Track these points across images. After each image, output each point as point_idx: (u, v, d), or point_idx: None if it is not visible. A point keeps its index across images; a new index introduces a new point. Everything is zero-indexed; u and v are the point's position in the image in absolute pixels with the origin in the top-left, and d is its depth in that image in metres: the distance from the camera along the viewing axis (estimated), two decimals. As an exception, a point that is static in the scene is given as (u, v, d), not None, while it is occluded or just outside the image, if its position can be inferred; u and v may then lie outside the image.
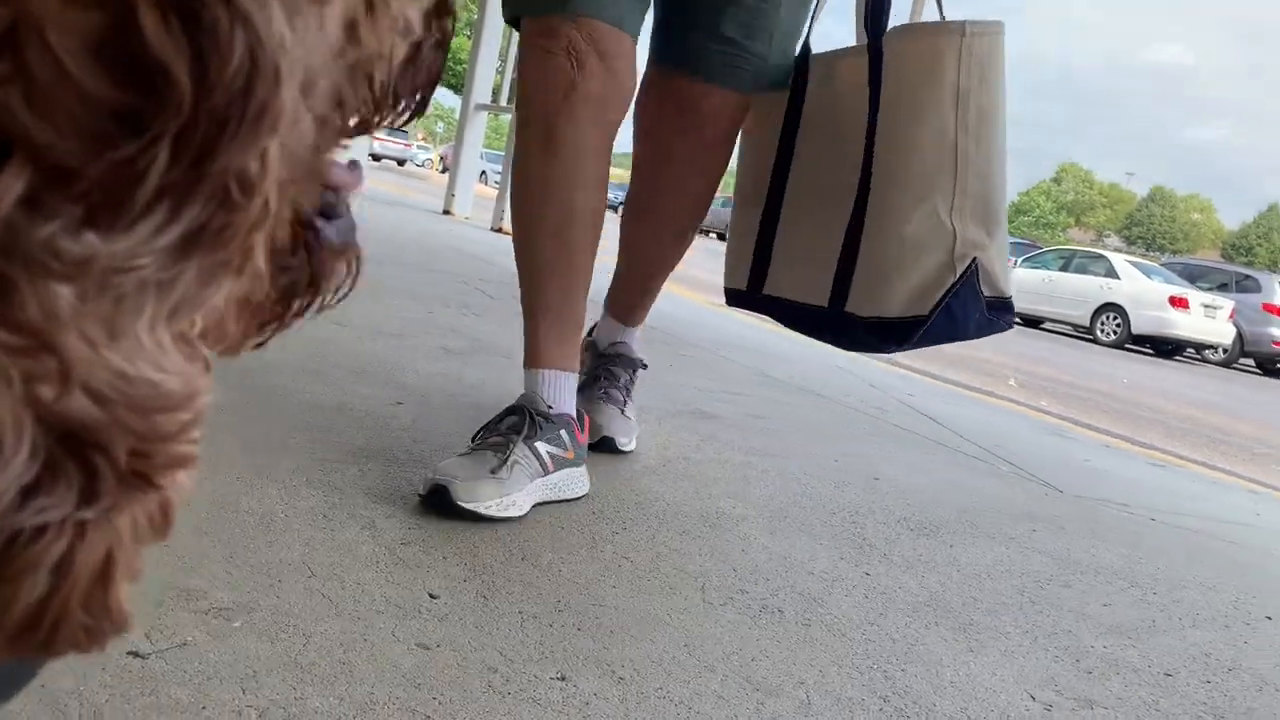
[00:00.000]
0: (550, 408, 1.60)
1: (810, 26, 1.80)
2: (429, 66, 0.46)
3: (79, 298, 0.30)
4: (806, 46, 1.80)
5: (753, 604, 1.33)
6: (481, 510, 1.40)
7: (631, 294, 2.03)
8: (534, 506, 1.49)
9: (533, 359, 1.66)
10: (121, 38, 0.28)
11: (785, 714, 1.05)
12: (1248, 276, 16.57)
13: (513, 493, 1.45)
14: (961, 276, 1.60)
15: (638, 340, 2.06)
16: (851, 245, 1.70)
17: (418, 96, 0.47)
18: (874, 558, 1.63)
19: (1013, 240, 22.29)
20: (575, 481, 1.61)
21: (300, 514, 1.29)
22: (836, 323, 1.74)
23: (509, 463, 1.47)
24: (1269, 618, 1.76)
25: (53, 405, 0.31)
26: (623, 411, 1.92)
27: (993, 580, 1.65)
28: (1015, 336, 11.61)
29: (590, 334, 2.04)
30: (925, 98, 1.61)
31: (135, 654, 0.88)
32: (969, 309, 1.62)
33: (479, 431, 1.58)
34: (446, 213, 8.74)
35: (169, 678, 0.86)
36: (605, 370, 1.97)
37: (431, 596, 1.14)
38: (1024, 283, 15.49)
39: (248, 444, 1.50)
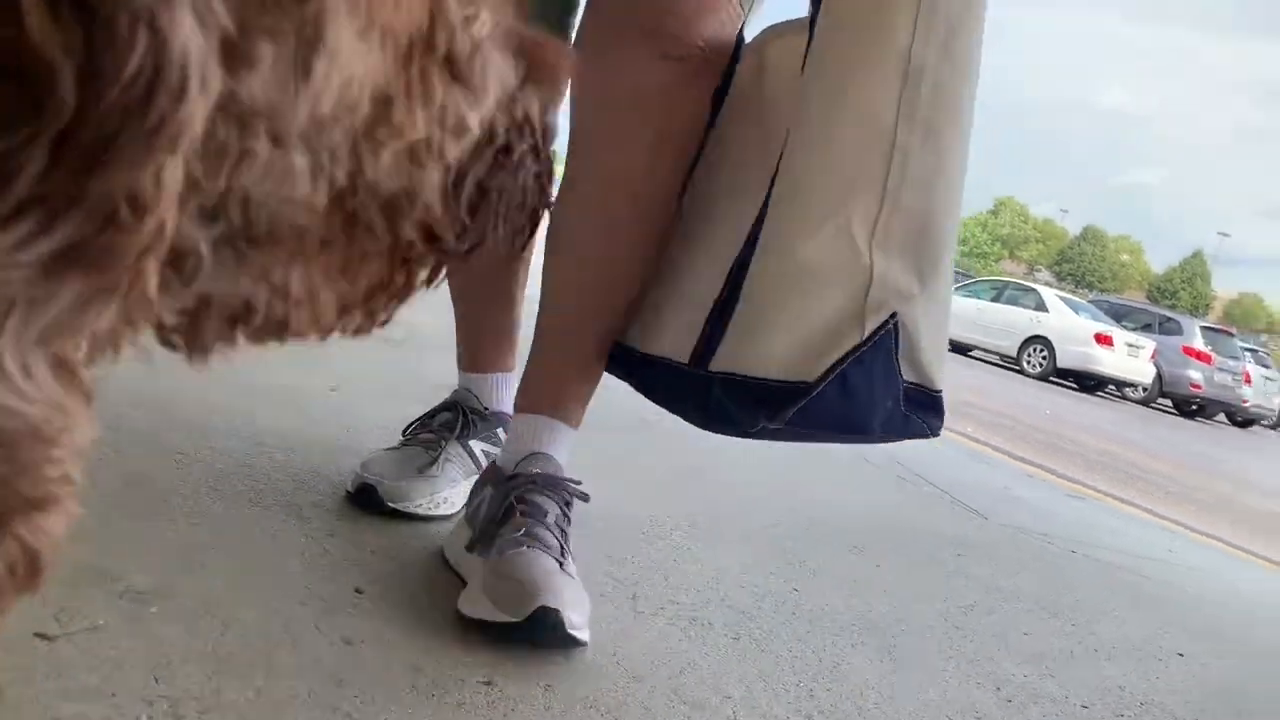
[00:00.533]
0: (486, 407, 1.52)
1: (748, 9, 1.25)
2: (520, 190, 0.42)
3: None
4: (740, 36, 1.24)
5: (682, 615, 1.32)
6: (411, 509, 1.35)
7: (564, 363, 1.31)
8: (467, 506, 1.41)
9: (469, 364, 1.56)
10: (3, 23, 0.25)
11: (711, 729, 1.04)
12: (1170, 319, 17.07)
13: (444, 490, 1.40)
14: (872, 336, 1.06)
15: (568, 449, 1.29)
16: (736, 277, 1.15)
17: (505, 225, 0.43)
18: (803, 575, 1.64)
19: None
20: None
21: (225, 497, 1.25)
22: (698, 387, 1.17)
23: (440, 460, 1.41)
24: (1180, 654, 1.80)
25: None
26: (562, 567, 1.14)
27: (918, 603, 1.66)
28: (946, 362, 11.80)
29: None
30: (857, 63, 1.08)
31: (43, 635, 0.84)
32: (876, 391, 1.08)
33: (410, 426, 1.52)
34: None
35: (77, 662, 0.83)
36: (520, 502, 1.20)
37: (358, 591, 1.11)
38: (957, 311, 15.69)
39: (172, 423, 1.45)
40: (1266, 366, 18.49)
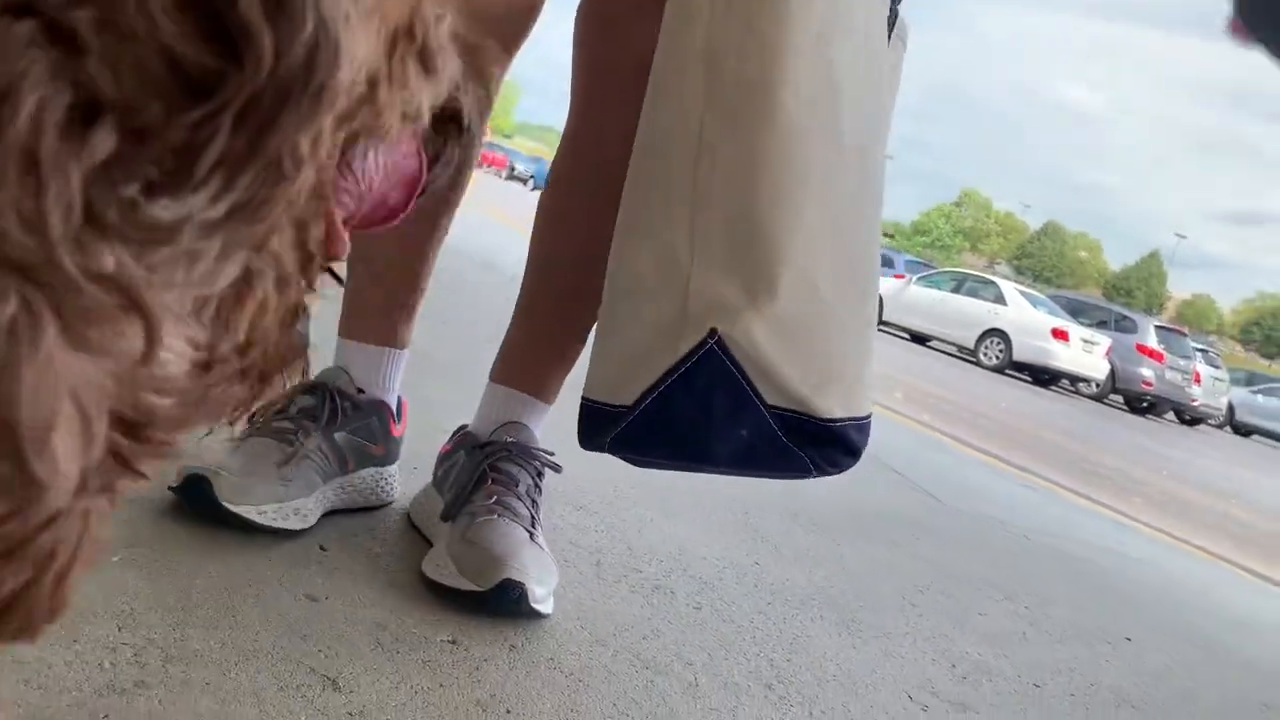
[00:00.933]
0: (360, 391, 1.27)
1: None
2: (445, 179, 0.46)
3: (140, 262, 0.29)
4: None
5: (645, 583, 1.33)
6: (254, 518, 1.07)
7: (548, 341, 1.28)
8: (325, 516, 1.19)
9: (356, 329, 1.29)
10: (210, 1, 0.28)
11: (673, 694, 1.05)
12: (1125, 317, 17.32)
13: (298, 498, 1.12)
14: (689, 357, 0.93)
15: (541, 421, 1.29)
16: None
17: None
18: (765, 549, 1.65)
19: (910, 259, 22.87)
20: (381, 485, 1.28)
21: (190, 450, 1.23)
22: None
23: (297, 457, 1.15)
24: (1128, 639, 1.84)
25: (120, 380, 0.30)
26: (532, 537, 1.13)
27: (877, 581, 1.68)
28: (902, 351, 11.97)
29: (460, 430, 1.33)
30: (666, 45, 0.96)
31: (4, 579, 0.83)
32: (714, 417, 0.94)
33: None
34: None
35: (40, 607, 0.81)
36: (493, 470, 1.20)
37: (322, 549, 1.11)
38: (917, 301, 15.90)
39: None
40: (1216, 367, 18.85)
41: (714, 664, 1.15)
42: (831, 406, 0.95)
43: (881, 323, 16.06)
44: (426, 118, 0.40)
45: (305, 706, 0.81)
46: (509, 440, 1.22)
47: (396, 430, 1.30)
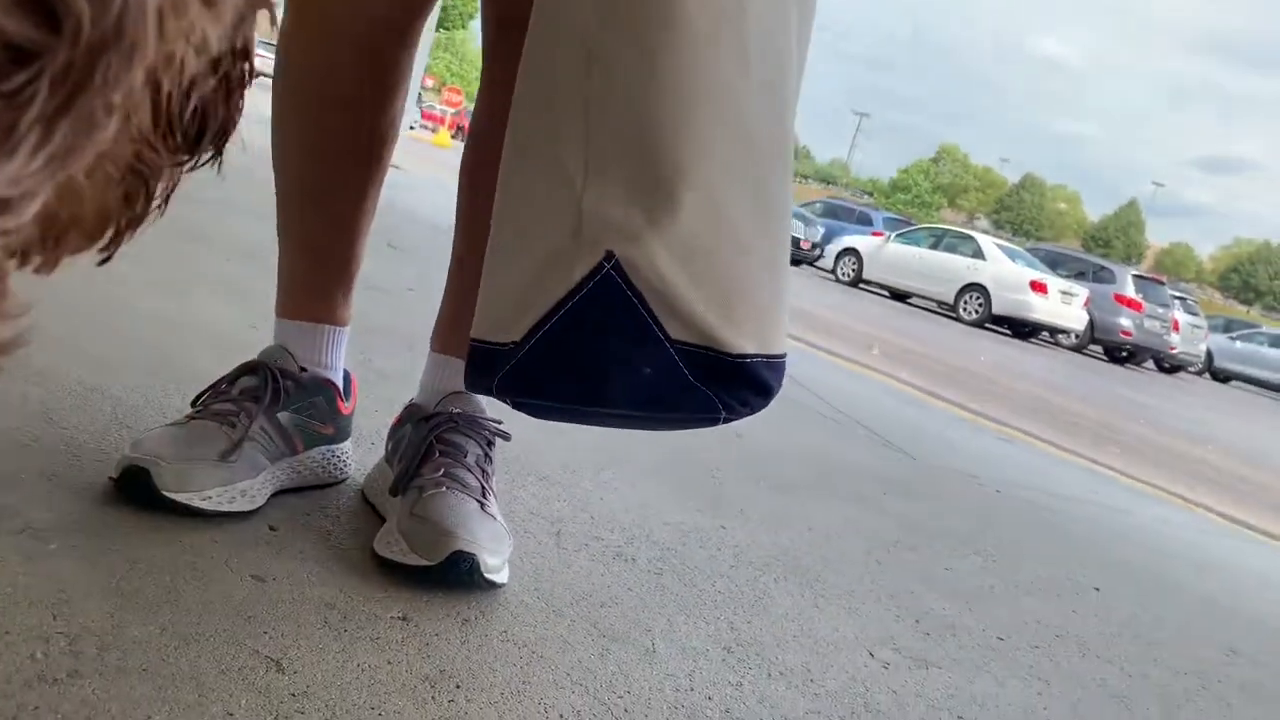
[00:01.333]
0: (304, 370, 1.24)
1: None
2: (217, 112, 0.44)
3: None
4: None
5: (606, 551, 1.32)
6: (198, 504, 1.05)
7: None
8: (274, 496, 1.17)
9: (292, 308, 1.26)
10: None
11: (630, 661, 1.04)
12: (1103, 268, 17.37)
13: (242, 480, 1.10)
14: (582, 285, 0.83)
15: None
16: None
17: (201, 146, 0.45)
18: (730, 513, 1.64)
19: (889, 216, 22.84)
20: (334, 463, 1.27)
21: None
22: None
23: (241, 441, 1.12)
24: (1097, 589, 1.85)
25: None
26: (483, 508, 1.12)
27: (843, 540, 1.68)
28: (881, 309, 11.98)
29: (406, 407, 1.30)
30: None
31: (-67, 572, 0.82)
32: (611, 352, 0.85)
33: (202, 394, 1.20)
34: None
35: (-30, 599, 0.80)
36: (439, 442, 1.17)
37: (271, 529, 1.09)
38: (896, 258, 15.90)
39: (81, 356, 1.40)
40: (1194, 314, 18.96)
41: (673, 629, 1.15)
42: (742, 341, 0.85)
43: (860, 280, 16.07)
44: (213, 51, 0.41)
45: (246, 689, 0.80)
46: (455, 411, 1.20)
47: (345, 408, 1.28)
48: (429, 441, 1.18)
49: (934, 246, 16.13)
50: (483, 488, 1.15)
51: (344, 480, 1.29)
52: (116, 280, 1.80)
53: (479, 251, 1.04)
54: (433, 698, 0.87)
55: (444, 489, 1.12)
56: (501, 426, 1.23)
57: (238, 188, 3.70)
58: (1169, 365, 18.06)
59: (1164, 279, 19.36)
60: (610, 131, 0.83)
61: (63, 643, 0.79)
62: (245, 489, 1.10)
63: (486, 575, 1.06)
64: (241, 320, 1.88)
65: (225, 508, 1.08)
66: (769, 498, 1.80)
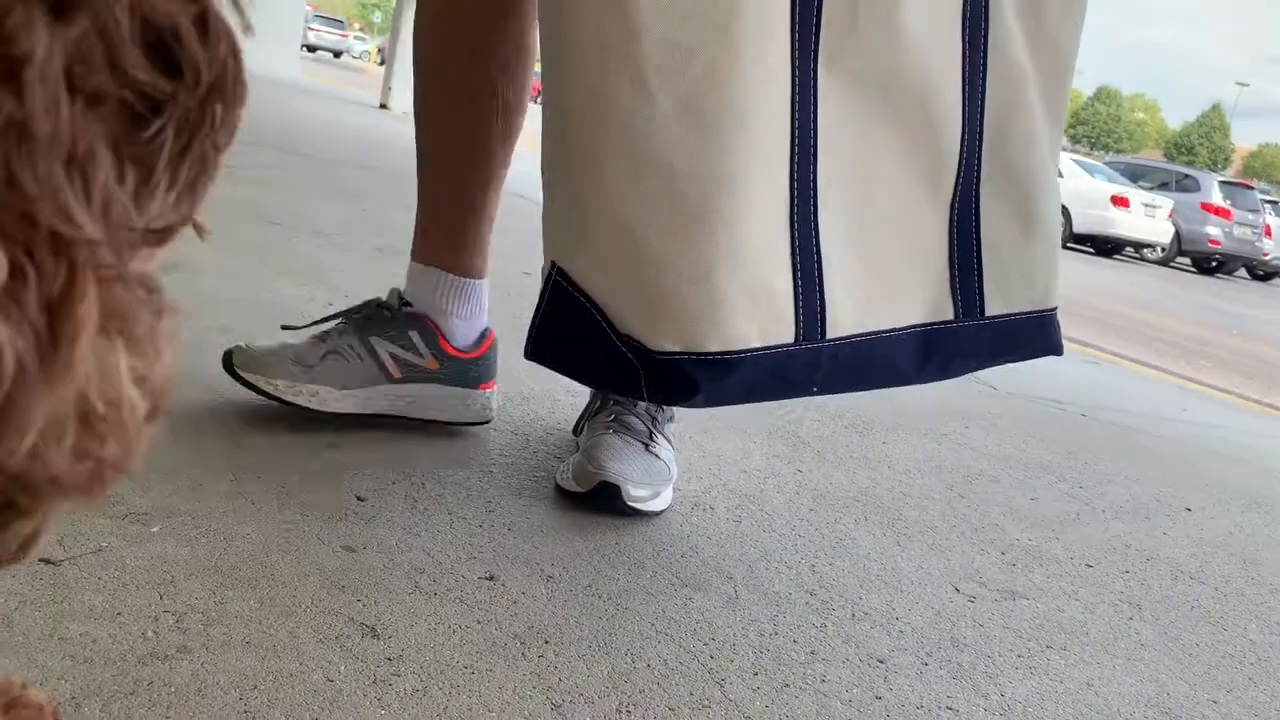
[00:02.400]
0: (408, 305, 1.35)
1: None
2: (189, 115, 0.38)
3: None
4: None
5: (685, 501, 1.34)
6: (261, 385, 1.25)
7: None
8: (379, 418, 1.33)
9: (413, 249, 1.39)
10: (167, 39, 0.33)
11: (713, 608, 1.06)
12: (1187, 176, 16.79)
13: (315, 384, 1.26)
14: (545, 285, 1.05)
15: None
16: None
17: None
18: (807, 455, 1.65)
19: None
20: (445, 402, 1.36)
21: (225, 417, 1.26)
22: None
23: (326, 354, 1.29)
24: (1188, 509, 1.82)
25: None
26: (648, 448, 1.28)
27: (923, 476, 1.67)
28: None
29: None
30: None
31: (47, 561, 0.86)
32: (579, 339, 1.03)
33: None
34: (383, 107, 8.52)
35: (82, 584, 0.85)
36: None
37: (359, 499, 1.13)
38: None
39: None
40: (1288, 218, 18.23)
41: (754, 576, 1.16)
42: (662, 340, 0.98)
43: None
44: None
45: (345, 655, 0.84)
46: None
47: (453, 349, 1.37)
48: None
49: (1008, 168, 15.69)
50: (650, 431, 1.32)
51: (477, 423, 1.41)
52: (191, 267, 1.86)
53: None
54: (523, 654, 0.90)
55: (610, 432, 1.30)
56: None
57: (305, 171, 3.77)
58: (1263, 273, 17.41)
59: (1253, 183, 18.63)
60: (548, 163, 1.03)
61: (171, 620, 0.83)
62: (316, 391, 1.27)
63: (630, 503, 1.22)
64: (317, 299, 1.93)
65: (287, 397, 1.26)
66: (846, 438, 1.80)
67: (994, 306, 1.14)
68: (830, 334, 1.04)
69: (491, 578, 1.02)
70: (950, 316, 1.12)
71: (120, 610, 0.83)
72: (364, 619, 0.90)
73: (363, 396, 1.30)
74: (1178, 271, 15.34)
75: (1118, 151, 69.16)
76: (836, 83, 1.02)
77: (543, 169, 1.05)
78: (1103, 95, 80.00)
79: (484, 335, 1.40)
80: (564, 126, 1.00)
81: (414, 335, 1.34)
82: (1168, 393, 3.31)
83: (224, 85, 0.35)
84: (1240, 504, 1.94)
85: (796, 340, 1.02)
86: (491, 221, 1.39)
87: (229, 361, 1.27)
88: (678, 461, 1.46)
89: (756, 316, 0.99)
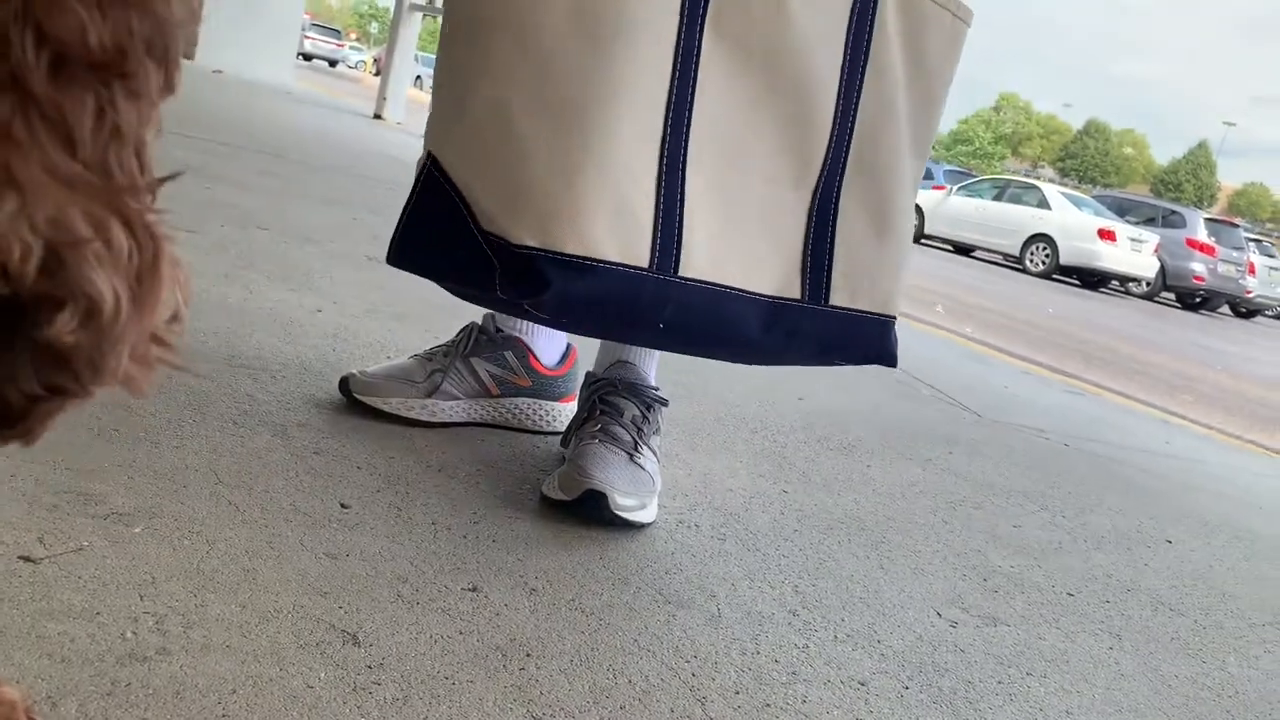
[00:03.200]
0: (499, 330, 1.50)
1: None
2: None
3: None
4: None
5: (670, 519, 1.33)
6: (378, 405, 1.41)
7: None
8: (475, 426, 1.49)
9: None
10: None
11: (695, 626, 1.06)
12: (1174, 212, 16.91)
13: (427, 398, 1.43)
14: (419, 176, 1.08)
15: (652, 360, 1.45)
16: None
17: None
18: (793, 476, 1.65)
19: (950, 169, 22.44)
20: (536, 413, 1.53)
21: (209, 420, 1.26)
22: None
23: (433, 373, 1.45)
24: (1169, 541, 1.82)
25: None
26: (632, 458, 1.30)
27: (907, 500, 1.68)
28: (944, 264, 11.80)
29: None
30: None
31: (26, 558, 0.86)
32: (445, 234, 1.06)
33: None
34: (377, 117, 8.52)
35: (62, 582, 0.84)
36: (601, 403, 1.37)
37: (343, 506, 1.12)
38: (959, 211, 15.64)
39: (157, 347, 1.45)
40: (1272, 256, 18.37)
41: (737, 594, 1.16)
42: (522, 234, 0.99)
43: (923, 236, 15.85)
44: None
45: (325, 662, 0.83)
46: (617, 377, 1.40)
47: (542, 367, 1.52)
48: (592, 401, 1.39)
49: (998, 198, 15.83)
50: (635, 442, 1.33)
51: (547, 431, 1.54)
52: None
53: None
54: (504, 666, 0.89)
55: (596, 441, 1.31)
56: (659, 393, 1.41)
57: (298, 178, 3.76)
58: (1246, 310, 17.55)
59: (1238, 221, 18.79)
60: (439, 59, 1.08)
61: (150, 622, 0.82)
62: (427, 405, 1.43)
63: (617, 512, 1.23)
64: (305, 305, 1.92)
65: (402, 412, 1.41)
66: (832, 460, 1.80)
67: (838, 298, 1.19)
68: (683, 272, 1.06)
69: (474, 589, 1.02)
70: (797, 295, 1.16)
71: (100, 610, 0.82)
72: (345, 626, 0.89)
73: (465, 408, 1.47)
74: (1162, 306, 15.44)
75: (1105, 185, 69.70)
76: (720, 44, 1.06)
77: (436, 62, 1.10)
78: (1091, 129, 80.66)
79: (567, 353, 1.57)
80: (457, 18, 1.05)
81: (509, 355, 1.49)
82: (1150, 426, 3.33)
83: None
84: (1221, 537, 1.95)
85: (650, 266, 1.04)
86: None
87: (345, 388, 1.42)
88: (664, 478, 1.46)
89: (616, 232, 1.01)
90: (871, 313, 1.22)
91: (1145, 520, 1.93)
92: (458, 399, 1.46)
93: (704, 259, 1.07)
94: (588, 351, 1.51)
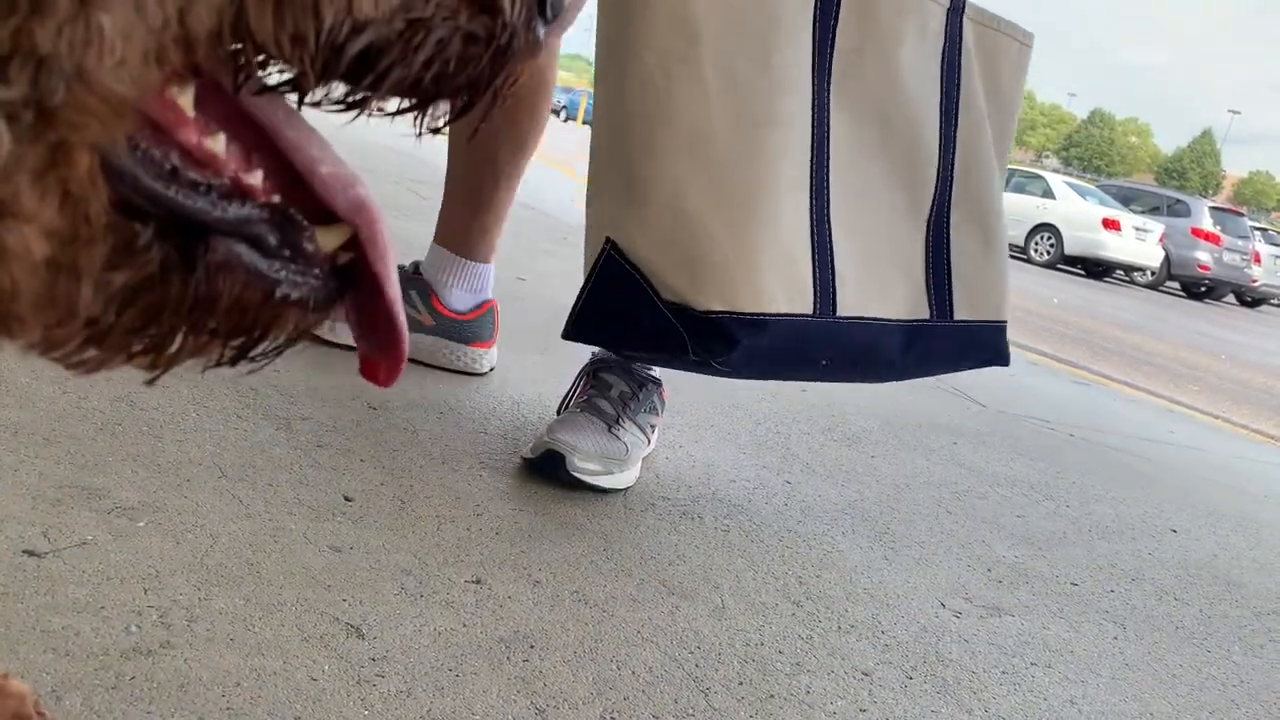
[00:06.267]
0: (417, 271, 1.66)
1: None
2: (442, 54, 0.38)
3: None
4: None
5: (673, 510, 1.33)
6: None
7: None
8: (460, 415, 1.49)
9: (436, 231, 1.68)
10: None
11: (699, 617, 1.06)
12: (1179, 201, 16.85)
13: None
14: (598, 261, 1.19)
15: None
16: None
17: (418, 91, 0.40)
18: (796, 467, 1.65)
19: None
20: (437, 351, 1.67)
21: (212, 413, 1.26)
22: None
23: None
24: (1174, 531, 1.82)
25: None
26: (610, 429, 1.35)
27: (911, 491, 1.68)
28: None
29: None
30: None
31: (31, 553, 0.86)
32: (626, 308, 1.18)
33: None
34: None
35: (66, 577, 0.84)
36: (593, 378, 1.45)
37: (346, 499, 1.13)
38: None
39: (160, 341, 1.45)
40: (1277, 245, 18.30)
41: (741, 585, 1.16)
42: (708, 301, 1.12)
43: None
44: None
45: (329, 655, 0.83)
46: (611, 357, 1.47)
47: (444, 309, 1.65)
48: (585, 376, 1.47)
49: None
50: (618, 416, 1.38)
51: (455, 370, 1.67)
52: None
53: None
54: (508, 658, 0.90)
55: (578, 411, 1.39)
56: (651, 372, 1.47)
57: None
58: (1251, 299, 17.49)
59: (1243, 210, 18.75)
60: (602, 158, 1.19)
61: (154, 615, 0.82)
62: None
63: (573, 473, 1.28)
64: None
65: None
66: (836, 451, 1.80)
67: (961, 312, 1.33)
68: (840, 311, 1.20)
69: (478, 581, 1.02)
70: (926, 315, 1.30)
71: (104, 604, 0.82)
72: (349, 619, 0.89)
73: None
74: (1167, 295, 15.41)
75: (1110, 175, 69.52)
76: (843, 101, 1.21)
77: (592, 153, 1.21)
78: (1096, 119, 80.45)
79: (481, 304, 1.69)
80: (623, 119, 1.16)
81: (413, 294, 1.63)
82: (1155, 415, 3.33)
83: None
84: (1225, 526, 1.95)
85: (815, 311, 1.17)
86: (499, 219, 1.68)
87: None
88: (668, 469, 1.46)
89: (784, 287, 1.15)
90: (989, 321, 1.38)
91: (1150, 510, 1.93)
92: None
93: (854, 297, 1.21)
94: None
